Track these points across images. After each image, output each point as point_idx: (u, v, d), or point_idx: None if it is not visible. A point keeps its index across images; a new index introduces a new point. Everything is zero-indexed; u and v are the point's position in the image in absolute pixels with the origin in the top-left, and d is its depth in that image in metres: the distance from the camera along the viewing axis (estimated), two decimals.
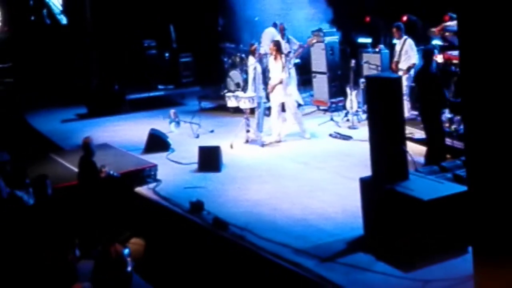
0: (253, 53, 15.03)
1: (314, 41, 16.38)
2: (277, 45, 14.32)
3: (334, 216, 9.86)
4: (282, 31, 16.66)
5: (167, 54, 21.00)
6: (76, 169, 11.23)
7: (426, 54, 11.61)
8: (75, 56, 21.32)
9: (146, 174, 11.89)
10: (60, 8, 23.89)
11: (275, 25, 17.12)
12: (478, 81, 5.22)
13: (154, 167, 12.15)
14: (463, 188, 8.49)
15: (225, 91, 15.93)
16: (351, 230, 9.17)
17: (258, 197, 10.91)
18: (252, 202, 10.68)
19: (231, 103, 14.69)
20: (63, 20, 23.65)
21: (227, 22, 19.89)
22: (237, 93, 14.75)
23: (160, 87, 20.23)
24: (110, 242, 6.63)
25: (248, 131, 14.29)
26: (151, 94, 19.86)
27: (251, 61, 14.98)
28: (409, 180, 8.75)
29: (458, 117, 12.64)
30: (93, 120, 18.07)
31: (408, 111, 13.64)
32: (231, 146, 13.76)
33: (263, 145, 13.96)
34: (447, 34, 13.06)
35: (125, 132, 15.93)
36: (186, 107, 18.17)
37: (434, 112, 11.41)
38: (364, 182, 9.02)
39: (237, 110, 16.45)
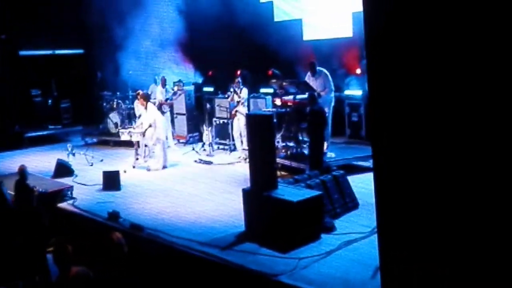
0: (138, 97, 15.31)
1: (177, 89, 17.16)
2: (144, 97, 14.76)
3: (219, 218, 10.34)
4: (164, 83, 17.26)
5: (50, 101, 20.91)
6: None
7: (312, 98, 12.31)
8: None
9: (64, 193, 11.99)
10: None
11: (155, 81, 17.69)
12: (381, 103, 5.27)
13: (71, 187, 12.28)
14: (316, 192, 9.41)
15: (120, 127, 16.24)
16: (235, 227, 9.66)
17: (157, 208, 11.17)
18: (154, 212, 10.93)
19: (124, 137, 15.05)
20: None
21: (104, 75, 20.06)
22: (129, 129, 15.10)
23: (50, 126, 20.11)
24: (110, 231, 6.92)
25: (137, 158, 14.69)
26: (44, 132, 19.76)
27: (136, 102, 15.46)
28: (279, 189, 9.35)
29: (291, 144, 13.73)
30: None
31: None
32: (125, 171, 13.94)
33: (148, 169, 14.38)
34: (284, 84, 14.03)
35: (29, 163, 15.47)
36: (72, 143, 17.83)
37: (319, 135, 12.01)
38: (245, 191, 9.53)
39: (116, 144, 16.96)
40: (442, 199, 4.83)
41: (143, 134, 14.47)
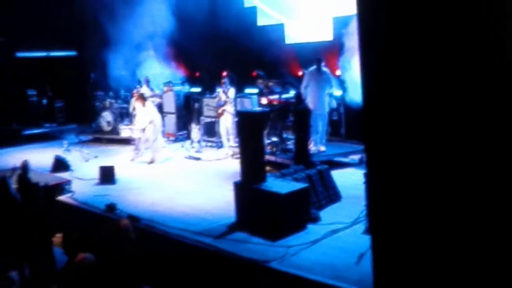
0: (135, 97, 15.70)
1: (167, 90, 17.27)
2: (141, 97, 14.98)
3: (210, 210, 10.44)
4: (147, 82, 17.33)
5: (44, 101, 20.92)
6: None
7: (299, 97, 12.66)
8: None
9: (63, 187, 12.04)
10: None
11: (139, 82, 17.76)
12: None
13: (69, 181, 12.34)
14: (302, 185, 9.56)
15: (121, 124, 16.40)
16: (225, 218, 9.73)
17: (151, 200, 11.24)
18: (148, 204, 11.00)
19: (125, 133, 15.27)
20: None
21: (97, 76, 20.12)
22: (130, 126, 15.20)
23: (46, 125, 20.15)
24: (119, 219, 6.99)
25: (137, 153, 14.92)
26: (40, 130, 19.80)
27: (134, 101, 15.73)
28: (267, 182, 9.48)
29: (276, 141, 13.91)
30: None
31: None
32: (132, 160, 14.70)
33: (149, 163, 14.61)
34: (270, 84, 14.23)
35: (27, 159, 15.70)
36: (67, 140, 17.88)
37: (303, 132, 12.24)
38: (236, 184, 9.61)
39: (109, 141, 17.09)
40: (434, 199, 4.86)
41: (144, 130, 14.64)
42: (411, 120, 4.89)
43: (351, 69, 12.92)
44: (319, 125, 13.49)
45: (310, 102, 13.26)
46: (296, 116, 12.32)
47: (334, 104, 13.95)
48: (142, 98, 14.93)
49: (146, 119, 14.60)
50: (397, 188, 5.11)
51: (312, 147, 13.37)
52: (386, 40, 4.92)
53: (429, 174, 4.85)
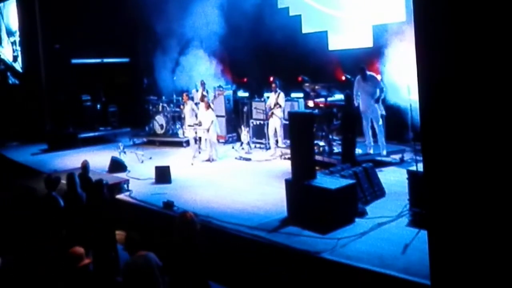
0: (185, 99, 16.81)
1: (218, 94, 17.87)
2: (204, 98, 15.64)
3: (263, 206, 10.85)
4: (203, 85, 17.96)
5: (98, 106, 21.69)
6: None
7: (347, 97, 12.97)
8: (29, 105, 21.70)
9: (121, 186, 12.62)
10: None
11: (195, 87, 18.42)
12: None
13: (127, 181, 12.94)
14: (350, 181, 9.95)
15: (186, 124, 17.06)
16: (278, 213, 10.14)
17: (207, 198, 11.68)
18: (204, 201, 11.43)
19: (188, 133, 15.99)
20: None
21: (150, 81, 20.77)
22: (195, 126, 15.90)
23: (101, 128, 20.95)
24: (185, 211, 7.39)
25: (199, 152, 15.85)
26: (95, 133, 20.57)
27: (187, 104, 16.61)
28: (317, 178, 9.88)
29: (322, 142, 14.29)
30: (55, 153, 18.39)
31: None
32: (192, 164, 15.24)
33: (212, 160, 15.40)
34: (316, 87, 14.62)
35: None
36: (122, 143, 18.48)
37: (350, 132, 12.63)
38: (288, 181, 10.02)
39: (162, 143, 17.79)
40: (490, 198, 4.93)
41: (208, 130, 15.42)
42: (469, 120, 4.95)
43: (390, 73, 13.23)
44: (375, 128, 13.87)
45: (361, 107, 13.69)
46: (344, 117, 12.72)
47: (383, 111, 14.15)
48: (207, 102, 15.68)
49: (209, 119, 15.35)
50: (453, 185, 5.21)
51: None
52: (445, 42, 5.03)
53: (484, 172, 4.93)
